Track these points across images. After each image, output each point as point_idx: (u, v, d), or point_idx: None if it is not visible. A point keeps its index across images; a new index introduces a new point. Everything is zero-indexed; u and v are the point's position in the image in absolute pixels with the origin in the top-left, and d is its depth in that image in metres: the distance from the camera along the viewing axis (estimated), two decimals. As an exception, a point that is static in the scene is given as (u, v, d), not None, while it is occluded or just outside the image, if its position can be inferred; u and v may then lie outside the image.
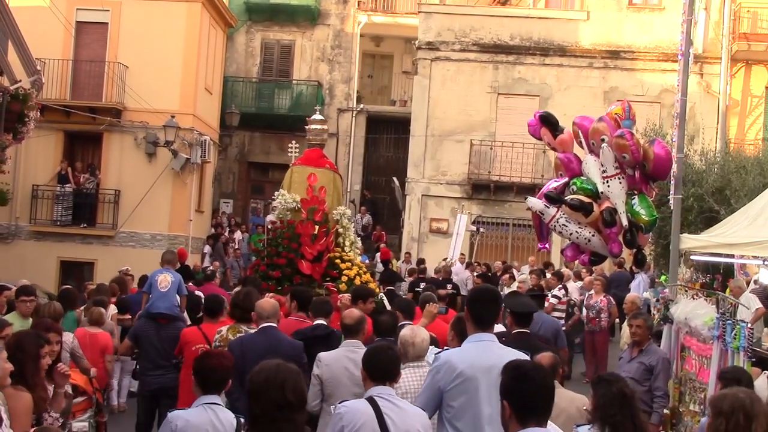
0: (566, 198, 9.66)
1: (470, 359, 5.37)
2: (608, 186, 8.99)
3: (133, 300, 13.12)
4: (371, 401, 5.09)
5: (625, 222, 9.10)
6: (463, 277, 21.26)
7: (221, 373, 5.24)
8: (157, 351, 9.80)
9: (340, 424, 5.05)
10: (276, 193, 15.34)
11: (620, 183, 8.86)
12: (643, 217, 8.87)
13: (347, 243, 14.97)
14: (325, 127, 16.55)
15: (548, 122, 9.50)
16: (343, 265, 14.36)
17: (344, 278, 14.10)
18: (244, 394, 4.70)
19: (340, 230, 14.94)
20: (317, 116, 16.10)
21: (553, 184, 10.47)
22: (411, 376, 6.18)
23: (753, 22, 24.72)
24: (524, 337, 7.03)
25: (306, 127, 16.14)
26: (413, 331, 6.45)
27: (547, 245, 10.73)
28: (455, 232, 24.05)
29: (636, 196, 9.05)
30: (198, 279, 16.71)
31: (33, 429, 5.42)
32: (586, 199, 9.35)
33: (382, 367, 5.27)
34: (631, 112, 9.18)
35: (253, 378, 4.34)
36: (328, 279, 14.12)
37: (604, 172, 9.22)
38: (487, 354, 5.36)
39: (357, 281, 13.79)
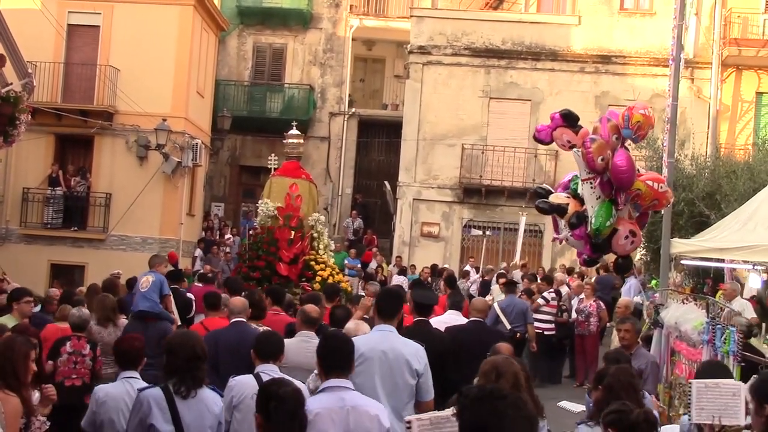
0: (537, 202, 9.68)
1: (371, 344, 6.41)
2: (582, 189, 8.98)
3: (129, 302, 13.31)
4: (257, 376, 6.21)
5: (588, 228, 9.03)
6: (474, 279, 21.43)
7: (133, 354, 6.53)
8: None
9: (230, 395, 6.17)
10: (260, 201, 17.09)
11: (591, 188, 8.80)
12: (591, 225, 8.78)
13: (321, 246, 16.74)
14: (302, 141, 18.34)
15: (570, 119, 9.26)
16: (317, 267, 16.10)
17: (318, 278, 15.73)
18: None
19: (315, 235, 16.69)
20: (294, 131, 17.78)
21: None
22: None
23: (743, 27, 24.79)
24: (423, 324, 8.04)
25: (284, 141, 17.91)
26: (357, 326, 7.25)
27: (560, 237, 10.54)
28: (519, 234, 24.21)
29: (602, 203, 8.92)
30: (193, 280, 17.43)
31: None
32: (562, 201, 9.32)
33: (267, 349, 6.43)
34: (631, 122, 8.95)
35: (171, 341, 5.83)
36: (303, 279, 15.70)
37: (581, 174, 9.21)
38: (384, 341, 6.45)
39: (330, 281, 15.23)
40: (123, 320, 10.77)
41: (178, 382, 5.48)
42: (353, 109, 30.95)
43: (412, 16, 27.50)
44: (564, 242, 10.25)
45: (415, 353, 6.48)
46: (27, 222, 24.86)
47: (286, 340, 7.52)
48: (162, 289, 11.93)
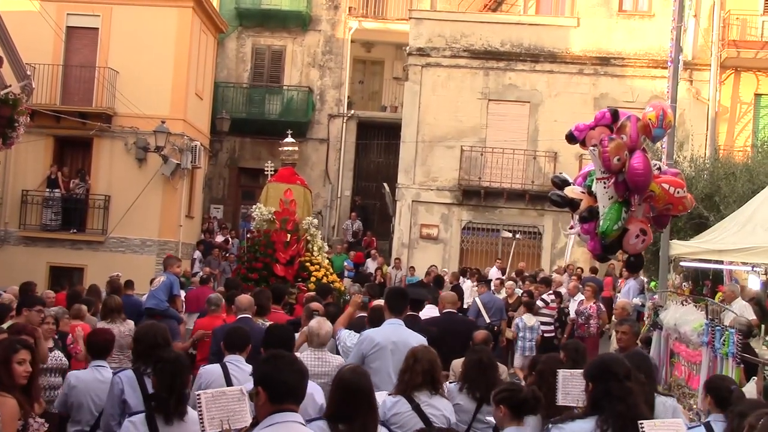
0: (550, 193, 9.61)
1: (384, 335, 7.60)
2: (596, 187, 8.90)
3: (126, 302, 13.51)
4: (222, 365, 7.02)
5: (598, 228, 8.93)
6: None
7: (103, 345, 7.38)
8: None
9: (199, 381, 6.93)
10: (253, 206, 18.19)
11: (604, 187, 8.70)
12: (599, 226, 8.71)
13: (315, 248, 17.54)
14: (296, 148, 19.22)
15: (617, 118, 9.09)
16: (312, 268, 16.96)
17: (313, 278, 16.51)
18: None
19: (309, 237, 17.46)
20: (289, 139, 18.71)
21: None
22: (311, 357, 7.48)
23: (742, 29, 24.79)
24: (412, 318, 9.01)
25: (279, 149, 18.94)
26: (319, 324, 7.75)
27: (573, 231, 10.41)
28: (570, 236, 24.18)
29: (613, 204, 8.82)
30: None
31: None
32: (576, 195, 9.24)
33: (233, 342, 7.18)
34: (665, 121, 8.83)
35: (138, 331, 6.99)
36: (299, 280, 16.49)
37: (596, 173, 9.09)
38: (395, 332, 7.62)
39: (324, 281, 16.04)
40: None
41: (143, 364, 6.35)
42: (352, 111, 30.94)
43: (410, 18, 27.49)
44: (577, 236, 10.18)
45: (420, 342, 7.35)
46: (26, 224, 24.83)
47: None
48: (172, 289, 12.69)
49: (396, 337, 7.54)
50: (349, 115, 30.74)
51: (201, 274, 19.78)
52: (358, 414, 4.93)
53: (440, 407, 6.26)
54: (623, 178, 8.61)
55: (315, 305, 9.23)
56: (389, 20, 31.02)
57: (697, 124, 23.93)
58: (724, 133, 24.94)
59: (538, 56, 26.19)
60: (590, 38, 26.04)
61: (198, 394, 4.77)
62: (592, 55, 25.95)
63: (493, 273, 22.39)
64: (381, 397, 6.41)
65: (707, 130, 24.32)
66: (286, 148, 18.70)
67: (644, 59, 25.66)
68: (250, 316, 9.20)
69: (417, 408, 6.11)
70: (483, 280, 18.18)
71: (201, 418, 4.72)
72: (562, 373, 6.13)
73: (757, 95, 25.25)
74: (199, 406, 4.74)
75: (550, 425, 5.15)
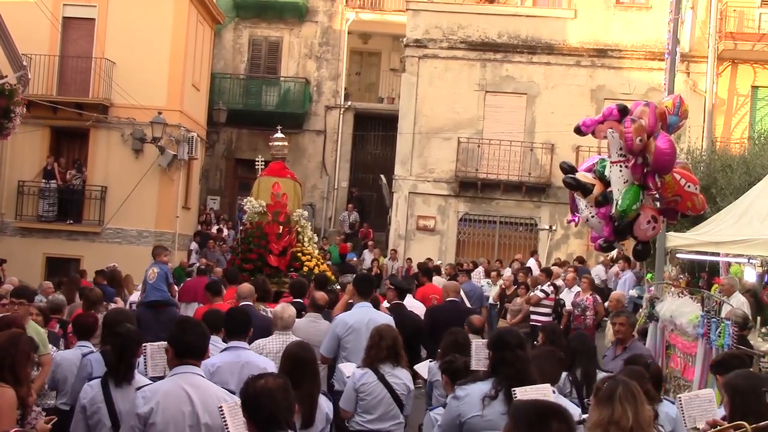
0: (564, 177, 9.52)
1: (355, 317, 8.54)
2: (610, 171, 8.84)
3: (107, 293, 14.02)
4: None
5: (613, 210, 8.89)
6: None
7: (87, 327, 8.18)
8: (156, 334, 10.72)
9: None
10: (245, 200, 18.68)
11: (620, 171, 8.61)
12: (617, 206, 8.69)
13: (306, 239, 18.05)
14: (286, 143, 19.66)
15: (624, 114, 9.04)
16: (303, 258, 17.46)
17: (305, 268, 17.05)
18: None
19: (300, 229, 17.97)
20: (279, 134, 19.16)
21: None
22: (276, 341, 7.91)
23: (739, 21, 24.79)
24: (398, 306, 10.26)
25: (269, 143, 19.45)
26: (283, 308, 8.26)
27: (576, 219, 10.40)
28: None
29: (630, 187, 8.76)
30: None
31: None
32: (588, 180, 9.19)
33: (209, 324, 7.30)
34: (681, 109, 8.85)
35: (105, 318, 7.53)
36: (292, 269, 16.92)
37: (610, 157, 9.05)
38: (365, 314, 8.54)
39: (316, 270, 16.54)
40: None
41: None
42: (349, 103, 30.91)
43: (408, 9, 27.45)
44: (578, 224, 10.15)
45: (386, 321, 8.12)
46: (22, 215, 24.80)
47: (298, 320, 8.92)
48: (167, 278, 13.24)
49: (367, 318, 8.43)
50: (346, 106, 30.72)
51: (198, 264, 19.86)
52: (304, 382, 5.82)
53: (402, 377, 7.22)
54: (641, 160, 8.59)
55: (320, 295, 9.78)
56: (386, 11, 31.00)
57: (693, 116, 23.68)
58: (721, 125, 24.96)
59: (535, 48, 26.17)
60: (587, 30, 26.02)
61: (145, 346, 5.89)
62: (589, 47, 25.94)
63: (530, 264, 22.20)
64: (351, 368, 7.59)
65: (704, 122, 24.32)
66: (276, 143, 19.06)
67: (641, 51, 25.66)
68: (251, 303, 9.81)
69: (382, 378, 7.08)
70: (463, 270, 18.93)
71: (146, 365, 5.92)
72: (475, 342, 6.85)
73: (754, 87, 25.28)
74: (145, 356, 5.93)
75: (456, 386, 5.86)
